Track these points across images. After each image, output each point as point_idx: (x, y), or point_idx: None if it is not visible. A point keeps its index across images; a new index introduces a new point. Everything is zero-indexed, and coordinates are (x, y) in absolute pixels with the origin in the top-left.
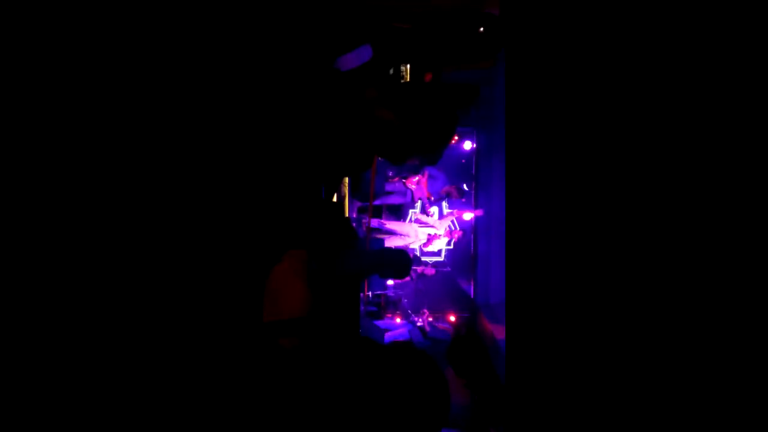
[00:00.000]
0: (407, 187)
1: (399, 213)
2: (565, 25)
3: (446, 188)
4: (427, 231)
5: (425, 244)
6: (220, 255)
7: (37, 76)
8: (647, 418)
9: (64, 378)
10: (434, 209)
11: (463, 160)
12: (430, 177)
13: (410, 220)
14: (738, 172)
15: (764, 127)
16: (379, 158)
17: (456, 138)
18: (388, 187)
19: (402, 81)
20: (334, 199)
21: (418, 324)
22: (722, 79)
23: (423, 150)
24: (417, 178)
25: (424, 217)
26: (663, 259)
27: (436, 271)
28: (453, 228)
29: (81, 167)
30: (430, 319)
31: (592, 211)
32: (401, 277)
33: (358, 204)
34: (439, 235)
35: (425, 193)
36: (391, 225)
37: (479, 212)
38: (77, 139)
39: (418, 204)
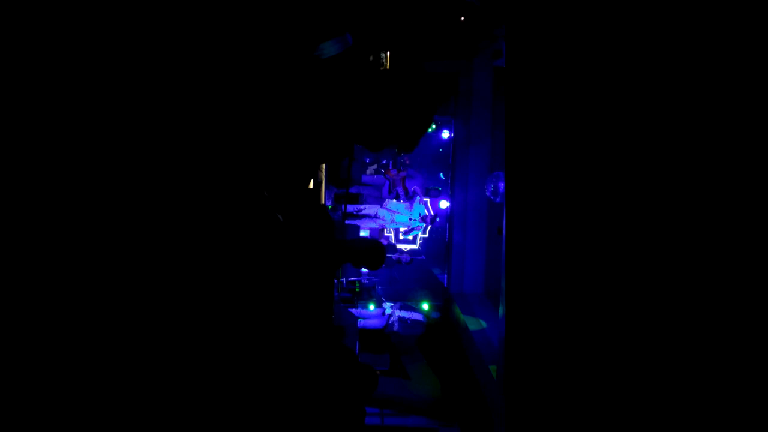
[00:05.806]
0: (385, 177)
1: (375, 200)
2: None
3: (423, 188)
4: (401, 216)
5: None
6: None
7: (37, 76)
8: (646, 417)
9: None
10: (406, 204)
11: (441, 150)
12: (408, 176)
13: (386, 205)
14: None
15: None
16: (357, 145)
17: (433, 126)
18: (366, 178)
19: (382, 68)
20: (311, 185)
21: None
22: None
23: (400, 137)
24: (395, 171)
25: (397, 204)
26: (662, 258)
27: (411, 260)
28: (427, 214)
29: (78, 167)
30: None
31: (592, 209)
32: (375, 266)
33: (335, 191)
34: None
35: (402, 186)
36: (367, 209)
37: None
38: (77, 139)
39: (395, 194)
